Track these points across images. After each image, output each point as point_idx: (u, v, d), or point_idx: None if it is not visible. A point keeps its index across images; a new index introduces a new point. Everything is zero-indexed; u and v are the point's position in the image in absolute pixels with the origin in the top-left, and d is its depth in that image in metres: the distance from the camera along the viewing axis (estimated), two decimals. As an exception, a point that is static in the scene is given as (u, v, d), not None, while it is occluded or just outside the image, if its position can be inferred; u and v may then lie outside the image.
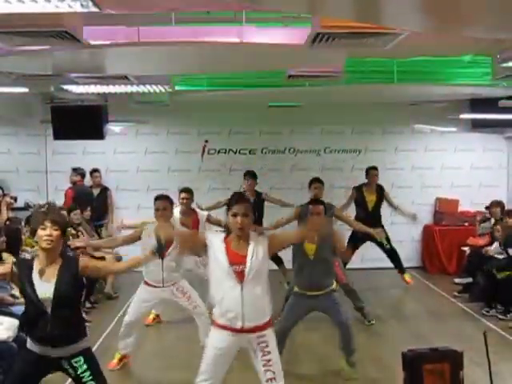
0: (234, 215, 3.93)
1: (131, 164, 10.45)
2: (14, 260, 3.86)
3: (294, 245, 5.28)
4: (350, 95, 7.99)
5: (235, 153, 10.58)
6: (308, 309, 5.48)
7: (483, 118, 9.24)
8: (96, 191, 10.00)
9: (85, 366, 3.83)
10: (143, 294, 6.03)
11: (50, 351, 3.81)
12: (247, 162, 10.35)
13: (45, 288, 3.73)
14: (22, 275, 3.78)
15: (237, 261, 3.90)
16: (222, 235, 4.03)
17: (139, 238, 5.84)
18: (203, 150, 10.52)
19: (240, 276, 3.88)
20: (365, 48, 4.33)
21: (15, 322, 5.29)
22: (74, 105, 8.03)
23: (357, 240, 8.18)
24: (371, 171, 8.54)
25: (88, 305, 7.91)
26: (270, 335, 4.02)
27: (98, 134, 7.91)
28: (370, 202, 8.40)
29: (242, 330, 3.94)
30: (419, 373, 4.37)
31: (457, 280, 8.66)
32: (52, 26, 3.77)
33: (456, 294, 8.54)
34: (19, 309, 5.75)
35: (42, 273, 3.75)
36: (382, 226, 8.38)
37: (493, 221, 9.07)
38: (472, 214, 10.23)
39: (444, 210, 10.47)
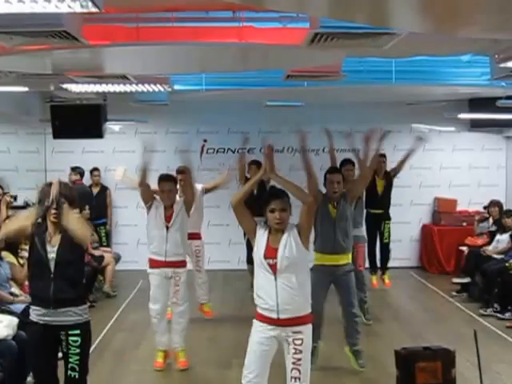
0: (272, 211, 4.01)
1: (130, 163, 10.44)
2: (33, 221, 3.98)
3: (318, 210, 5.28)
4: (348, 95, 8.02)
5: (234, 152, 10.59)
6: (328, 282, 5.64)
7: (482, 117, 9.27)
8: (95, 190, 10.02)
9: (77, 350, 3.90)
10: (152, 281, 5.97)
11: (51, 315, 3.90)
12: (246, 161, 10.36)
13: (50, 251, 3.91)
14: (38, 235, 3.94)
15: (271, 255, 3.99)
16: (267, 230, 4.08)
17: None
18: (202, 149, 10.54)
19: (273, 268, 3.96)
20: (363, 48, 4.36)
21: (14, 320, 5.30)
22: (73, 104, 8.05)
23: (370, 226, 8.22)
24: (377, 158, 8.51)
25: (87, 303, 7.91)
26: (306, 333, 4.02)
27: (97, 132, 7.92)
28: (379, 187, 8.38)
29: (277, 322, 3.98)
30: (412, 371, 4.41)
31: (455, 280, 8.68)
32: (51, 26, 3.80)
33: (454, 293, 8.57)
34: (18, 307, 5.78)
35: (51, 236, 3.94)
36: (389, 218, 8.50)
37: (491, 220, 9.10)
38: (470, 214, 10.26)
39: (442, 210, 10.49)
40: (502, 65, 5.05)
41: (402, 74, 6.42)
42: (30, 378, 5.46)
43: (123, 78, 6.05)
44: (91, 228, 8.98)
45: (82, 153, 10.28)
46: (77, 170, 9.81)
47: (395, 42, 4.11)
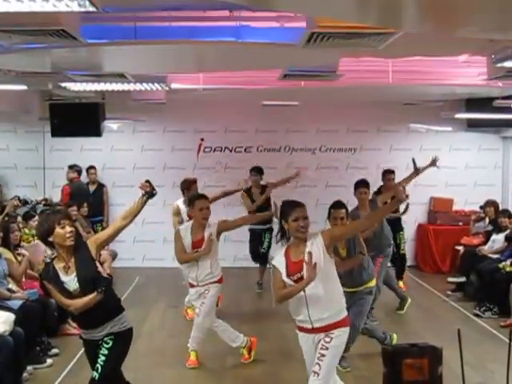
0: (296, 219, 4.03)
1: (128, 161, 10.50)
2: (40, 273, 4.06)
3: None
4: (345, 94, 8.04)
5: (231, 151, 10.63)
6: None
7: (478, 117, 9.30)
8: (92, 188, 10.07)
9: (106, 351, 3.97)
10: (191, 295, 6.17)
11: (92, 334, 4.00)
12: (243, 160, 10.42)
13: (73, 281, 3.87)
14: (53, 283, 3.91)
15: (295, 271, 4.02)
16: (283, 250, 4.12)
17: None
18: (199, 148, 10.57)
19: (300, 281, 3.99)
20: (360, 48, 4.39)
21: (12, 316, 5.34)
22: (71, 102, 8.08)
23: None
24: (386, 175, 8.46)
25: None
26: (339, 335, 4.08)
27: (95, 131, 7.95)
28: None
29: (313, 330, 4.09)
30: (399, 367, 4.45)
31: (450, 279, 8.71)
32: (50, 25, 3.83)
33: (449, 292, 8.60)
34: (16, 303, 5.82)
35: (66, 268, 3.88)
36: (402, 228, 8.66)
37: (487, 220, 9.13)
38: (466, 214, 10.29)
39: (438, 210, 10.53)
40: (499, 65, 5.08)
41: (399, 74, 6.44)
42: (26, 374, 5.51)
43: (121, 77, 6.08)
44: (89, 225, 9.04)
45: (80, 151, 10.32)
46: (74, 168, 9.85)
47: (391, 42, 4.14)
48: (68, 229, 3.83)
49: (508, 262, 7.73)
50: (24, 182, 10.21)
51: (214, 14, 4.46)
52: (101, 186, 10.14)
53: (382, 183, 8.76)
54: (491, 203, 9.06)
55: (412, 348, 4.62)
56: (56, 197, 9.79)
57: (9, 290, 6.08)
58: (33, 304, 6.02)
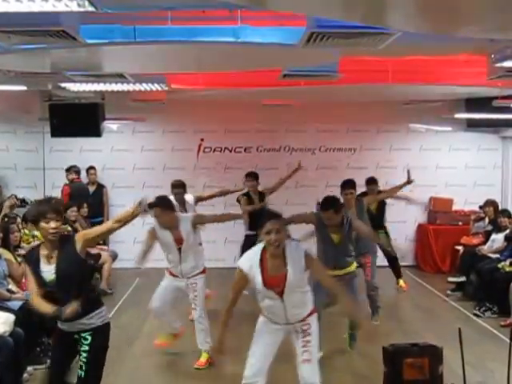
0: (268, 233, 3.94)
1: (127, 162, 10.50)
2: (22, 259, 3.98)
3: (319, 232, 5.71)
4: (345, 94, 8.05)
5: (230, 151, 10.64)
6: None
7: (478, 117, 9.31)
8: (92, 188, 10.07)
9: (87, 347, 3.95)
10: (164, 282, 6.21)
11: (64, 326, 3.99)
12: (242, 160, 10.43)
13: (50, 272, 3.86)
14: (32, 267, 3.91)
15: (275, 284, 4.01)
16: (258, 256, 4.03)
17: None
18: (199, 148, 10.58)
19: (280, 293, 4.03)
20: (359, 47, 4.39)
21: (11, 317, 5.33)
22: (71, 102, 8.08)
23: None
24: (370, 185, 8.35)
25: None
26: (312, 321, 4.21)
27: (95, 131, 7.94)
28: (372, 207, 8.16)
29: (287, 324, 4.19)
30: (399, 367, 4.46)
31: (450, 279, 8.71)
32: (49, 25, 3.83)
33: (449, 292, 8.60)
34: (16, 304, 5.81)
35: (48, 258, 3.89)
36: (385, 228, 8.57)
37: (487, 220, 9.13)
38: (466, 214, 10.29)
39: (438, 209, 10.53)
40: (498, 64, 5.08)
41: (399, 74, 6.44)
42: (26, 375, 5.51)
43: (121, 77, 6.08)
44: (88, 226, 9.04)
45: (80, 151, 10.32)
46: (72, 169, 9.84)
47: (390, 42, 4.14)
48: (52, 225, 3.79)
49: (507, 262, 7.74)
50: (24, 183, 10.21)
51: (213, 13, 4.47)
52: (100, 187, 10.14)
53: (381, 183, 8.75)
54: (491, 203, 9.07)
55: (412, 347, 4.63)
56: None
57: (9, 290, 6.07)
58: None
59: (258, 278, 4.01)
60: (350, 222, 5.68)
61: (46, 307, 3.82)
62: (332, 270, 5.39)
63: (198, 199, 7.84)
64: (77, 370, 4.01)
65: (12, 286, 6.17)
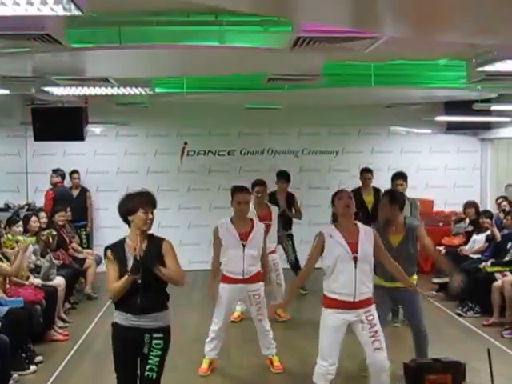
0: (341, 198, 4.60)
1: (111, 165, 10.47)
2: (106, 250, 4.12)
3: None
4: (328, 98, 8.11)
5: (214, 154, 10.65)
6: (392, 300, 5.59)
7: (458, 120, 9.44)
8: (75, 192, 10.02)
9: (159, 352, 4.02)
10: (222, 294, 5.75)
11: (136, 320, 4.01)
12: (226, 163, 10.47)
13: (130, 260, 3.99)
14: (117, 256, 4.04)
15: (353, 249, 4.50)
16: (332, 226, 4.62)
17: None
18: (182, 152, 10.58)
19: (355, 259, 4.49)
20: (344, 52, 4.44)
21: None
22: (54, 106, 8.04)
23: None
24: (364, 173, 8.40)
25: (68, 305, 7.91)
26: (374, 310, 4.60)
27: (78, 135, 7.90)
28: (368, 203, 8.26)
29: (353, 305, 4.51)
30: (422, 383, 4.42)
31: (435, 280, 8.80)
32: (34, 29, 3.82)
33: (433, 292, 8.67)
34: (1, 309, 5.78)
35: (133, 248, 4.00)
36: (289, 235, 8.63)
37: (467, 221, 9.24)
38: (447, 214, 10.41)
39: (419, 210, 10.60)
40: (479, 69, 5.17)
41: (381, 78, 6.51)
42: (12, 382, 5.47)
43: (105, 81, 6.08)
44: (72, 230, 8.99)
45: (63, 155, 10.27)
46: (58, 172, 9.79)
47: (375, 47, 4.20)
48: (150, 216, 4.01)
49: (488, 263, 7.83)
50: (6, 187, 10.12)
51: (198, 18, 4.49)
52: (84, 191, 10.10)
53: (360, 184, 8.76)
54: (471, 204, 9.17)
55: (435, 363, 4.59)
56: (39, 201, 9.72)
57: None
58: (18, 311, 5.97)
59: (341, 245, 4.51)
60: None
61: (121, 281, 3.94)
62: (390, 282, 5.31)
63: None
64: (146, 372, 4.05)
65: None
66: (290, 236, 8.63)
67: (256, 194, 7.11)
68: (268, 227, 6.62)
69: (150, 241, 4.08)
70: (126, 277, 3.93)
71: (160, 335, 4.05)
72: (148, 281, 3.97)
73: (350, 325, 4.60)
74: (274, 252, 7.29)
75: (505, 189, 10.15)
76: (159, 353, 4.03)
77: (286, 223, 8.28)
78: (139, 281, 3.95)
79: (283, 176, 8.50)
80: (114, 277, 3.99)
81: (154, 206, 4.09)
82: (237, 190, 5.77)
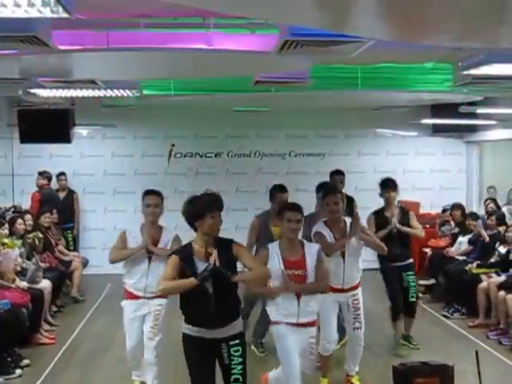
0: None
1: (98, 167, 10.44)
2: (173, 254, 3.97)
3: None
4: (315, 101, 8.13)
5: (201, 156, 10.66)
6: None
7: (443, 122, 9.50)
8: (62, 194, 9.97)
9: (240, 359, 3.94)
10: (127, 308, 5.18)
11: (210, 332, 3.90)
12: (213, 165, 10.48)
13: (208, 266, 3.83)
14: (185, 262, 3.90)
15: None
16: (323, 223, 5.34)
17: None
18: (170, 154, 10.57)
19: (342, 253, 5.35)
20: (332, 55, 4.46)
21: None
22: (40, 108, 7.97)
23: None
24: (333, 176, 7.38)
25: (54, 308, 7.88)
26: (359, 294, 5.44)
27: (64, 137, 7.86)
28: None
29: (342, 290, 5.31)
30: None
31: (421, 282, 8.85)
32: (21, 31, 3.80)
33: (420, 294, 8.72)
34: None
35: (206, 254, 3.89)
36: None
37: (452, 223, 9.31)
38: (433, 216, 10.47)
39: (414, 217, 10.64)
40: (465, 72, 5.20)
41: (368, 81, 6.55)
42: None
43: (92, 83, 6.05)
44: (59, 232, 8.95)
45: (49, 157, 10.23)
46: (44, 175, 9.75)
47: (362, 50, 4.22)
48: (218, 220, 3.92)
49: (474, 265, 7.89)
50: (-8, 189, 10.06)
51: (186, 21, 4.49)
52: (71, 193, 10.06)
53: (347, 186, 8.70)
54: (457, 206, 9.24)
55: (424, 366, 4.61)
56: (25, 204, 9.66)
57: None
58: (4, 314, 5.93)
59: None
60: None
61: (183, 281, 3.81)
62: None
63: None
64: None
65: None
66: None
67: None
68: None
69: (219, 246, 3.93)
70: (192, 279, 3.75)
71: (237, 341, 3.95)
72: (220, 289, 3.85)
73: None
74: None
75: (487, 190, 10.26)
76: (240, 360, 3.94)
77: None
78: (210, 290, 3.83)
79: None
80: (171, 275, 3.84)
81: (221, 209, 3.96)
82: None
